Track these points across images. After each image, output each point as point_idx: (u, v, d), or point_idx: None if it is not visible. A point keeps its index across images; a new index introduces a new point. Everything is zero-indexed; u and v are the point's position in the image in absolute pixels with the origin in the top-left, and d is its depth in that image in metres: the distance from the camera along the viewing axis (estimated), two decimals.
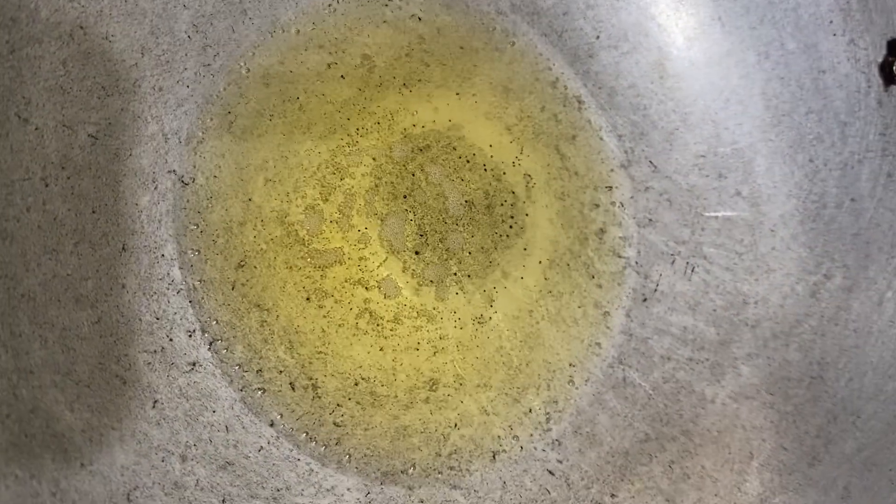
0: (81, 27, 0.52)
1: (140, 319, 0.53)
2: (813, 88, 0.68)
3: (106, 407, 0.50)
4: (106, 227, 0.53)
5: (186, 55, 0.57)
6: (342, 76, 0.61)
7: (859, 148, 0.66)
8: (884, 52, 0.66)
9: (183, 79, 0.57)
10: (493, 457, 0.59)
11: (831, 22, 0.67)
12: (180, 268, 0.55)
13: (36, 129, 0.50)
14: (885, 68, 0.66)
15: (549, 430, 0.61)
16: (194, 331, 0.54)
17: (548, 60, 0.69)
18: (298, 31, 0.61)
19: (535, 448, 0.60)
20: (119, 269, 0.53)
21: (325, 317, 0.59)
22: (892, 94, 0.66)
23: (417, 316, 0.61)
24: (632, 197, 0.68)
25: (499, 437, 0.60)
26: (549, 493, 0.59)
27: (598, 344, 0.64)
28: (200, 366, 0.54)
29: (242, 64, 0.59)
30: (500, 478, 0.59)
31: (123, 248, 0.53)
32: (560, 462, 0.60)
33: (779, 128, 0.69)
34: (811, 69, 0.68)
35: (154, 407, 0.52)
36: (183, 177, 0.56)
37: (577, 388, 0.62)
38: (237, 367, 0.55)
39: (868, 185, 0.63)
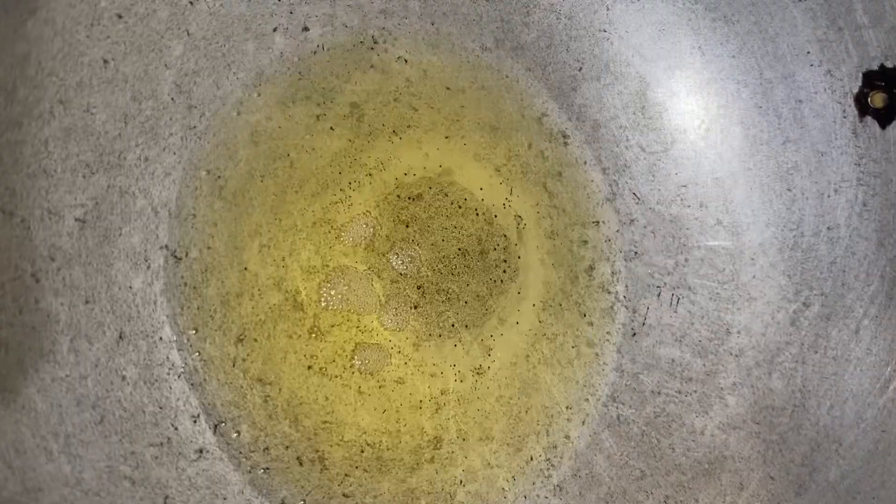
0: (61, 102, 0.49)
1: (143, 411, 0.50)
2: (791, 118, 0.69)
3: None
4: (101, 316, 0.50)
5: (171, 119, 0.53)
6: (331, 128, 0.59)
7: (835, 177, 0.67)
8: (859, 83, 0.67)
9: (169, 145, 0.53)
10: None
11: (808, 52, 0.67)
12: (179, 350, 0.52)
13: (21, 220, 0.47)
14: (860, 99, 0.67)
15: (550, 476, 0.62)
16: (198, 415, 0.52)
17: (533, 96, 0.68)
18: (284, 83, 0.58)
19: (538, 496, 0.61)
20: (118, 359, 0.50)
21: (327, 384, 0.57)
22: (867, 125, 0.67)
23: (418, 373, 0.60)
24: (618, 230, 0.68)
25: (503, 489, 0.60)
26: None
27: (593, 384, 0.65)
28: (207, 451, 0.52)
29: (229, 123, 0.55)
30: None
31: (120, 337, 0.50)
32: None
33: (757, 157, 0.69)
34: (789, 98, 0.68)
35: (165, 503, 0.50)
36: (175, 251, 0.53)
37: (574, 431, 0.63)
38: (244, 448, 0.53)
39: (844, 213, 0.65)
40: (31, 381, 0.47)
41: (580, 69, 0.69)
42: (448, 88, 0.64)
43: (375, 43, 0.61)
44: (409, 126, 0.62)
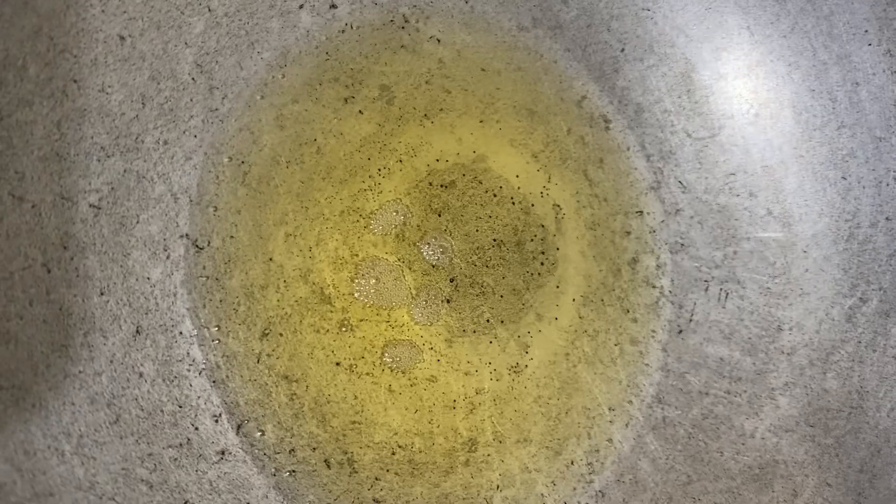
0: (75, 80, 0.46)
1: (162, 410, 0.47)
2: (846, 101, 0.65)
3: None
4: (116, 309, 0.47)
5: (192, 100, 0.50)
6: (360, 111, 0.56)
7: (894, 164, 0.64)
8: None
9: (189, 128, 0.50)
10: None
11: (866, 31, 0.64)
12: (200, 345, 0.50)
13: (32, 206, 0.44)
14: None
15: (592, 481, 0.58)
16: (220, 414, 0.49)
17: (572, 78, 0.65)
18: (311, 64, 0.55)
19: (580, 502, 0.57)
20: (134, 355, 0.47)
21: (356, 382, 0.54)
22: None
23: (452, 371, 0.57)
24: (663, 221, 0.65)
25: (542, 494, 0.57)
26: None
27: (637, 384, 0.61)
28: (230, 453, 0.49)
29: (252, 105, 0.52)
30: None
31: (137, 332, 0.47)
32: None
33: (810, 143, 0.66)
34: (844, 81, 0.65)
35: None
36: (197, 240, 0.50)
37: (617, 433, 0.59)
38: (268, 450, 0.50)
39: None
40: (42, 378, 0.44)
41: (622, 50, 0.66)
42: (483, 70, 0.61)
43: (407, 22, 0.58)
44: (441, 109, 0.59)
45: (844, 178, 0.65)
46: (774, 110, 0.67)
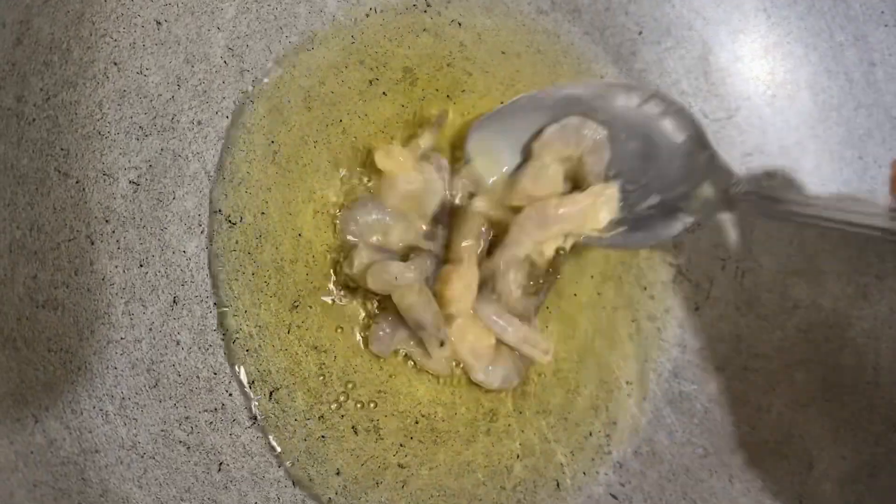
0: (115, 63, 0.48)
1: (198, 377, 0.50)
2: (863, 82, 0.66)
3: (173, 478, 0.47)
4: (155, 280, 0.49)
5: (224, 82, 0.53)
6: (384, 93, 0.58)
7: None
8: None
9: (222, 109, 0.52)
10: (557, 485, 0.57)
11: (883, 12, 0.65)
12: (234, 315, 0.52)
13: (77, 182, 0.46)
14: None
15: (610, 452, 0.60)
16: (253, 381, 0.51)
17: (590, 60, 0.66)
18: (337, 47, 0.57)
19: (598, 472, 0.59)
20: (171, 324, 0.49)
21: None
22: None
23: None
24: None
25: (561, 464, 0.58)
26: None
27: (654, 358, 0.63)
28: (262, 418, 0.51)
29: (282, 87, 0.55)
30: None
31: (174, 302, 0.50)
32: (622, 485, 0.59)
33: (826, 123, 0.67)
34: (861, 61, 0.66)
35: (220, 470, 0.49)
36: (230, 216, 0.52)
37: (635, 407, 0.61)
38: (299, 416, 0.52)
39: None
40: (87, 343, 0.46)
41: (640, 33, 0.67)
42: (503, 53, 0.62)
43: (428, 6, 0.60)
44: (463, 91, 0.61)
45: (861, 158, 0.66)
46: (791, 91, 0.68)
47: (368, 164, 0.56)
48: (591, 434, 0.60)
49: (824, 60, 0.66)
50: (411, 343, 0.55)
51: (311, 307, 0.54)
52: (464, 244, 0.55)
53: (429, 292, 0.53)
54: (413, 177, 0.54)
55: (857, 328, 0.62)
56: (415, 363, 0.56)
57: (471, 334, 0.55)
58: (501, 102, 0.60)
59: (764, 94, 0.67)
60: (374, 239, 0.54)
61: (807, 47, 0.66)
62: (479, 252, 0.56)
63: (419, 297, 0.52)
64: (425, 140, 0.56)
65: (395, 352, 0.55)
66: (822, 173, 0.65)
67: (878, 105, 0.64)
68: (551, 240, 0.56)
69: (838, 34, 0.65)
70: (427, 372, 0.56)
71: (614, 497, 0.59)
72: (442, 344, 0.53)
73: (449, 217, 0.56)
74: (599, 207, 0.56)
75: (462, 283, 0.54)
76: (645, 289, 0.64)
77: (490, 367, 0.56)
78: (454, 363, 0.57)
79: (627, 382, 0.62)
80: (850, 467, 0.60)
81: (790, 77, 0.66)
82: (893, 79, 0.64)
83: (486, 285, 0.56)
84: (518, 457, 0.58)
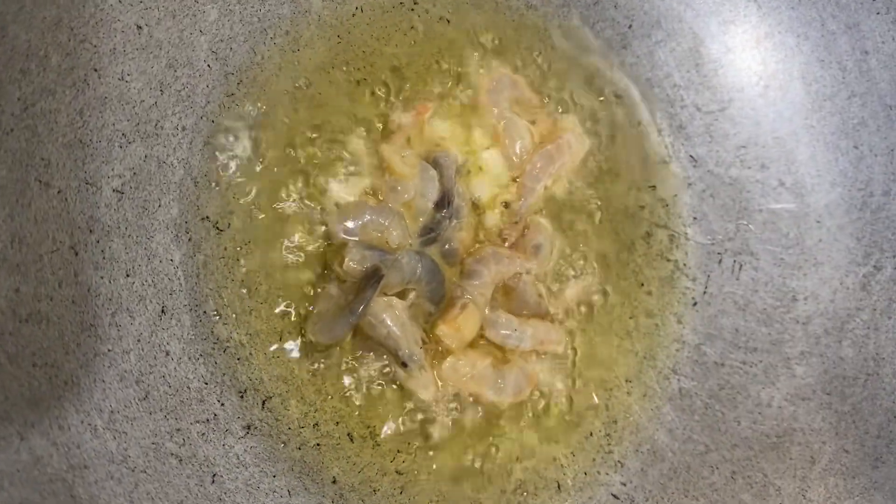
0: (95, 69, 0.47)
1: (188, 387, 0.49)
2: (856, 71, 0.65)
3: (165, 492, 0.46)
4: (142, 290, 0.48)
5: (208, 87, 0.52)
6: (372, 93, 0.57)
7: None
8: None
9: (206, 113, 0.51)
10: (559, 487, 0.57)
11: (874, 0, 0.64)
12: (224, 323, 0.51)
13: (59, 192, 0.45)
14: None
15: (611, 451, 0.59)
16: (245, 390, 0.51)
17: (581, 55, 0.65)
18: (323, 48, 0.56)
19: (599, 472, 0.58)
20: (160, 334, 0.48)
21: None
22: None
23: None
24: (675, 195, 0.65)
25: (562, 465, 0.57)
26: None
27: (653, 356, 0.62)
28: (255, 428, 0.50)
29: (267, 90, 0.54)
30: None
31: (163, 311, 0.49)
32: (624, 484, 0.58)
33: (820, 113, 0.66)
34: (854, 50, 0.65)
35: (214, 482, 0.48)
36: (217, 223, 0.51)
37: (635, 404, 0.60)
38: (293, 424, 0.51)
39: None
40: (73, 356, 0.45)
41: (630, 26, 0.66)
42: (493, 48, 0.61)
43: (416, 3, 0.59)
44: (452, 88, 0.60)
45: (856, 147, 0.65)
46: (784, 82, 0.67)
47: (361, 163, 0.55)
48: (591, 434, 0.60)
49: (816, 50, 0.65)
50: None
51: (301, 314, 0.53)
52: (476, 283, 0.54)
53: (403, 313, 0.52)
54: (413, 185, 0.54)
55: (856, 319, 0.61)
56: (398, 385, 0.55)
57: (465, 366, 0.54)
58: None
59: (756, 85, 0.66)
60: (367, 238, 0.53)
61: (798, 37, 0.65)
62: (486, 298, 0.56)
63: (391, 311, 0.51)
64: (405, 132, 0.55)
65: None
66: (817, 164, 0.65)
67: (872, 94, 0.64)
68: None
69: (830, 23, 0.64)
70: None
71: (616, 497, 0.58)
72: (405, 366, 0.52)
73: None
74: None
75: (468, 328, 0.54)
76: (642, 284, 0.63)
77: (500, 383, 0.55)
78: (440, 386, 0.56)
79: (627, 380, 0.61)
80: (853, 460, 0.59)
81: (782, 67, 0.66)
82: (887, 67, 0.63)
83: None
84: (517, 459, 0.57)
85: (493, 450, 0.56)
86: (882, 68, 0.64)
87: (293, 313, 0.53)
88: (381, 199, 0.54)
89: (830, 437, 0.60)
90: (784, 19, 0.66)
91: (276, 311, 0.52)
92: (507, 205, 0.58)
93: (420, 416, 0.55)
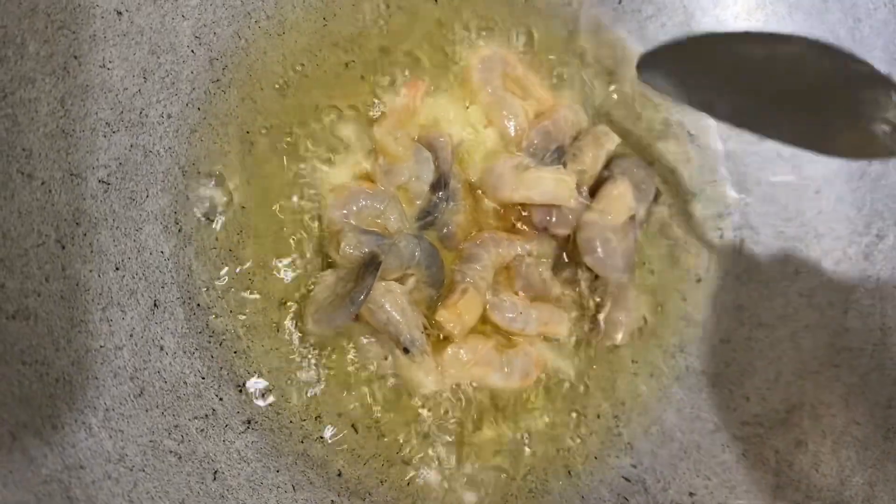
0: (75, 57, 0.45)
1: (185, 382, 0.47)
2: (849, 39, 0.65)
3: (165, 490, 0.45)
4: (133, 283, 0.47)
5: (193, 73, 0.50)
6: (361, 76, 0.55)
7: None
8: None
9: (192, 100, 0.50)
10: (569, 472, 0.55)
11: None
12: (219, 316, 0.49)
13: (42, 183, 0.43)
14: None
15: (620, 434, 0.58)
16: (244, 384, 0.49)
17: (570, 31, 0.64)
18: (309, 30, 0.54)
19: (608, 455, 0.57)
20: (154, 328, 0.47)
21: None
22: None
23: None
24: (672, 171, 0.64)
25: (570, 449, 0.56)
26: (627, 501, 0.56)
27: (658, 334, 0.61)
28: (256, 422, 0.49)
29: (253, 75, 0.52)
30: (578, 492, 0.56)
31: (155, 305, 0.47)
32: (634, 467, 0.57)
33: None
34: (846, 18, 0.64)
35: (215, 479, 0.47)
36: (208, 213, 0.49)
37: (642, 385, 0.59)
38: (295, 417, 0.50)
39: None
40: (64, 353, 0.44)
41: (620, 2, 0.65)
42: (481, 27, 0.60)
43: None
44: (442, 67, 0.59)
45: None
46: None
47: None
48: (599, 416, 0.58)
49: (809, 18, 0.64)
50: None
51: (299, 303, 0.51)
52: (476, 268, 0.53)
53: (402, 298, 0.51)
54: (407, 168, 0.52)
55: (861, 290, 0.61)
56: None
57: (467, 353, 0.53)
58: None
59: None
60: (363, 223, 0.52)
61: (790, 6, 0.65)
62: (488, 282, 0.54)
63: (390, 296, 0.50)
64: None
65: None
66: None
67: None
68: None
69: None
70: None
71: (627, 479, 0.57)
72: (406, 351, 0.50)
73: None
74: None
75: (469, 313, 0.53)
76: (644, 264, 0.62)
77: (505, 367, 0.54)
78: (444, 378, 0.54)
79: (633, 361, 0.60)
80: (864, 431, 0.58)
81: None
82: (880, 34, 0.62)
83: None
84: (526, 445, 0.56)
85: (502, 437, 0.55)
86: (875, 36, 0.63)
87: (290, 303, 0.51)
88: (376, 182, 0.53)
89: (840, 409, 0.59)
90: None
91: (273, 301, 0.50)
92: None
93: (424, 405, 0.53)
